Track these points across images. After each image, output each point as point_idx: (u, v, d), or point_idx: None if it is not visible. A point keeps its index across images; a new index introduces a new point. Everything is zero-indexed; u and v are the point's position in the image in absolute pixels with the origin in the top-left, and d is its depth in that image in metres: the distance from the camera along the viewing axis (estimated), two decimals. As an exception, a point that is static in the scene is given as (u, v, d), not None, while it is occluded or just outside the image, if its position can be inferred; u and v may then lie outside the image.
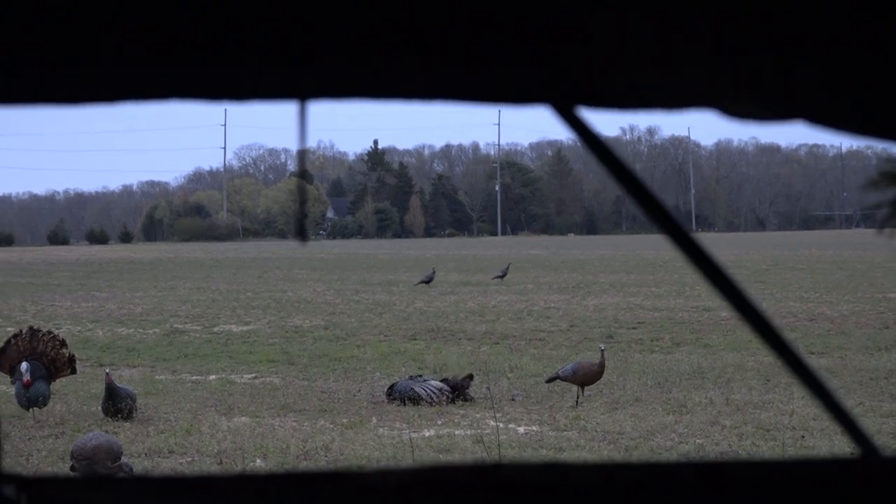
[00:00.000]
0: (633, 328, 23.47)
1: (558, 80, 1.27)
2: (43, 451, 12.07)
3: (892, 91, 1.26)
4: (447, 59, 1.22)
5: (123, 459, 10.42)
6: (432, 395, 14.46)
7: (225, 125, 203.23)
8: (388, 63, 1.22)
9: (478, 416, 13.75)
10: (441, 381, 14.85)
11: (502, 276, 38.53)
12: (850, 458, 1.46)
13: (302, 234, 1.42)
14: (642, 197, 1.37)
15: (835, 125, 1.31)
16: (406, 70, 1.24)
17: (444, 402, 14.36)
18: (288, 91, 1.24)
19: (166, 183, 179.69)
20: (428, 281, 37.01)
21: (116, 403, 13.56)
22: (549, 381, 15.18)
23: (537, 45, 1.22)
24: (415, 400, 14.35)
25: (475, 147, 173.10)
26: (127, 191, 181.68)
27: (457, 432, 12.82)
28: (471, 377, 14.88)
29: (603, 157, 1.35)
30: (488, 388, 14.57)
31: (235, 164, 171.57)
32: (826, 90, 1.28)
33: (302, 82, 1.23)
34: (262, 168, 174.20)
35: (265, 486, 1.34)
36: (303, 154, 1.30)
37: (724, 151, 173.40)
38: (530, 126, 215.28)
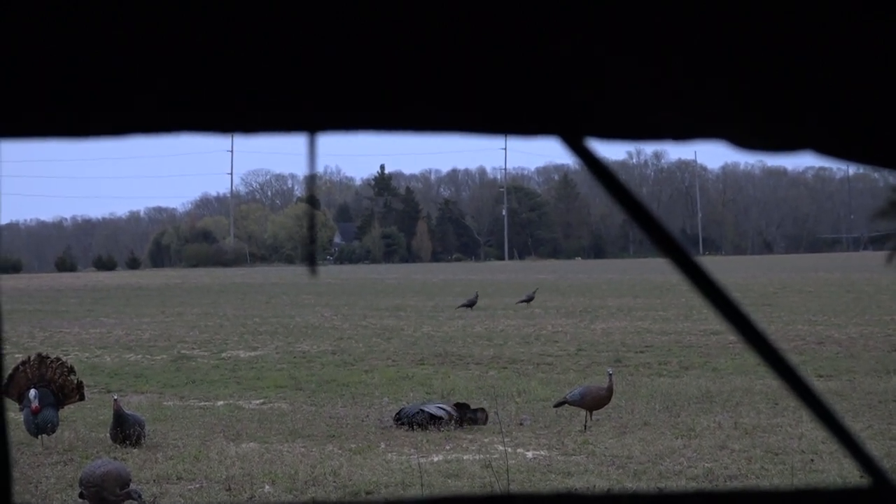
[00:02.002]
0: (641, 352, 23.44)
1: (568, 114, 1.28)
2: (51, 479, 12.06)
3: None
4: (456, 94, 1.23)
5: (132, 486, 10.41)
6: (449, 412, 14.46)
7: (232, 151, 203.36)
8: (398, 99, 1.23)
9: (486, 440, 13.72)
10: (455, 406, 14.82)
11: (529, 301, 38.47)
12: (860, 488, 1.46)
13: (312, 265, 1.43)
14: (648, 224, 1.37)
15: (842, 156, 1.32)
16: (416, 105, 1.24)
17: (454, 426, 14.34)
18: (297, 125, 1.25)
19: (173, 209, 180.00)
20: (470, 305, 36.91)
21: (125, 430, 13.56)
22: (558, 405, 15.16)
23: (547, 82, 1.22)
24: (423, 425, 14.33)
25: (482, 172, 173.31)
26: (134, 217, 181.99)
27: (465, 457, 12.80)
28: (484, 413, 14.74)
29: (609, 185, 1.36)
30: (496, 413, 14.55)
31: (242, 189, 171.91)
32: (834, 123, 1.28)
33: (311, 117, 1.24)
34: (269, 193, 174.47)
35: None
36: (312, 185, 1.31)
37: (730, 175, 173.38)
38: (537, 151, 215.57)
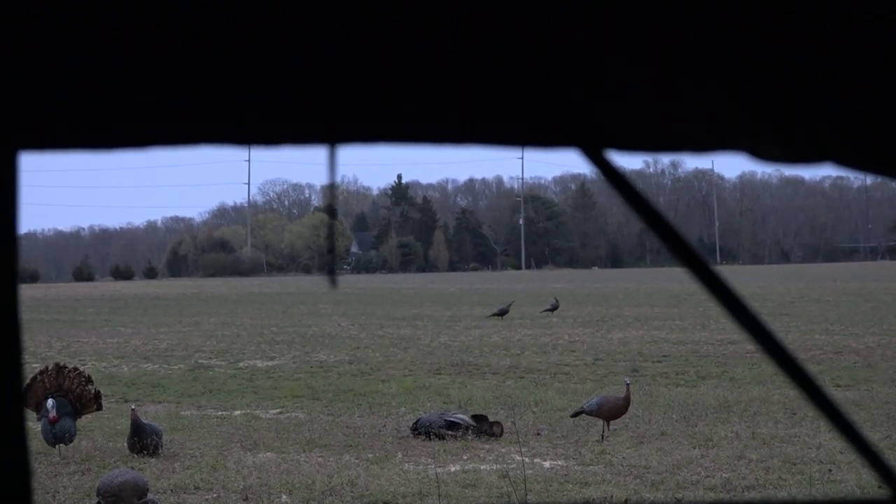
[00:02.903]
0: (658, 361, 23.41)
1: (588, 127, 1.28)
2: (69, 488, 12.08)
3: None
4: (476, 107, 1.23)
5: (150, 496, 10.42)
6: (467, 421, 14.47)
7: (249, 161, 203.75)
8: (418, 111, 1.23)
9: (503, 450, 13.71)
10: (472, 417, 14.82)
11: (552, 310, 38.48)
12: (879, 500, 1.46)
13: (332, 275, 1.43)
14: (666, 234, 1.37)
15: (863, 168, 1.31)
16: (436, 117, 1.25)
17: (472, 436, 14.33)
18: (318, 137, 1.25)
19: (190, 218, 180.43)
20: (502, 314, 36.86)
21: (142, 439, 13.58)
22: (575, 415, 15.14)
23: (568, 95, 1.23)
24: (440, 435, 14.33)
25: (499, 181, 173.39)
26: (151, 226, 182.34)
27: (482, 467, 12.79)
28: (500, 426, 14.67)
29: (628, 195, 1.36)
30: (513, 423, 14.54)
31: (259, 199, 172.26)
32: (854, 135, 1.28)
33: (332, 129, 1.24)
34: (286, 203, 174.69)
35: None
36: (333, 197, 1.31)
37: (747, 184, 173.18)
38: (554, 160, 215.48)
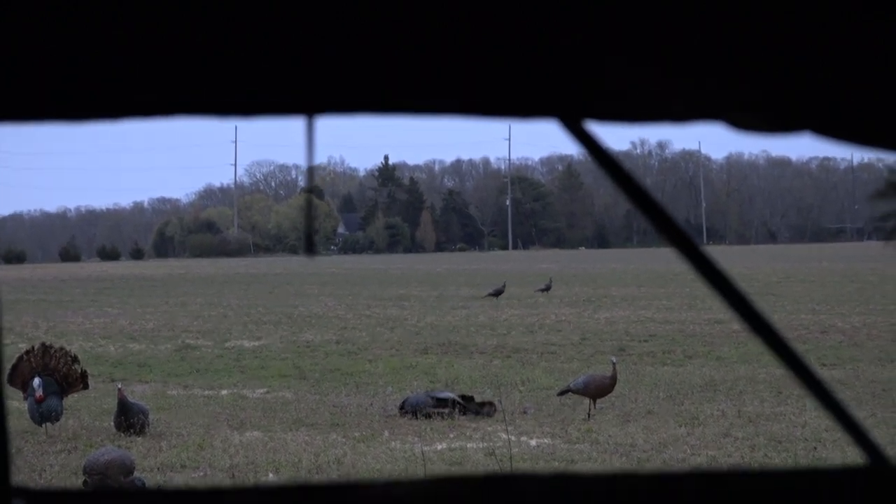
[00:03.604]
0: (645, 341, 23.44)
1: (567, 97, 1.28)
2: (56, 467, 12.08)
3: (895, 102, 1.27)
4: (455, 76, 1.23)
5: (136, 474, 10.43)
6: (455, 399, 14.49)
7: (236, 142, 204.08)
8: (397, 81, 1.23)
9: (490, 429, 13.74)
10: (461, 397, 14.83)
11: (546, 290, 38.61)
12: (858, 468, 1.47)
13: (310, 247, 1.43)
14: (650, 210, 1.37)
15: (841, 137, 1.31)
16: (414, 87, 1.24)
17: (458, 414, 14.35)
18: (295, 107, 1.25)
19: (177, 199, 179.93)
20: (497, 294, 36.87)
21: (129, 418, 13.58)
22: (561, 394, 15.17)
23: (546, 64, 1.22)
24: (427, 414, 14.34)
25: (486, 162, 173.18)
26: (138, 207, 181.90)
27: (469, 445, 12.82)
28: (493, 407, 14.64)
29: (611, 170, 1.36)
30: (500, 402, 14.56)
31: (246, 180, 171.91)
32: (831, 102, 1.28)
33: (308, 98, 1.24)
34: (273, 184, 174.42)
35: (273, 498, 1.34)
36: (311, 170, 1.31)
37: (734, 165, 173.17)
38: (540, 141, 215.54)
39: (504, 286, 37.84)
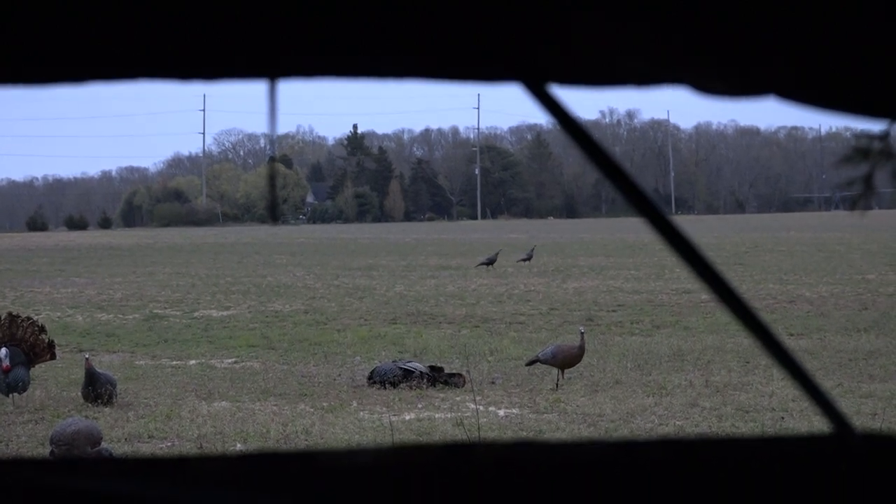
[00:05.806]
0: (613, 311, 23.51)
1: (529, 59, 1.27)
2: (22, 437, 12.05)
3: (860, 66, 1.26)
4: (418, 39, 1.22)
5: (103, 445, 10.40)
6: (422, 370, 14.48)
7: (204, 110, 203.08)
8: (358, 42, 1.22)
9: (458, 399, 13.76)
10: (429, 367, 14.81)
11: (527, 259, 38.38)
12: (823, 436, 1.47)
13: (274, 214, 1.42)
14: (617, 176, 1.36)
15: (805, 100, 1.31)
16: (377, 50, 1.23)
17: (426, 385, 14.36)
18: (257, 70, 1.24)
19: (145, 168, 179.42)
20: (490, 262, 36.49)
21: (96, 389, 13.54)
22: (529, 364, 15.20)
23: (508, 27, 1.21)
24: (395, 383, 14.35)
25: (455, 131, 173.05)
26: (106, 177, 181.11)
27: (437, 415, 12.83)
28: (462, 378, 14.60)
29: (576, 135, 1.35)
30: (468, 372, 14.58)
31: (214, 149, 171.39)
32: (794, 66, 1.28)
33: (271, 61, 1.23)
34: (242, 153, 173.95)
35: (238, 466, 1.34)
36: (273, 134, 1.30)
37: (703, 134, 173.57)
38: (510, 110, 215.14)
39: (497, 255, 37.35)
